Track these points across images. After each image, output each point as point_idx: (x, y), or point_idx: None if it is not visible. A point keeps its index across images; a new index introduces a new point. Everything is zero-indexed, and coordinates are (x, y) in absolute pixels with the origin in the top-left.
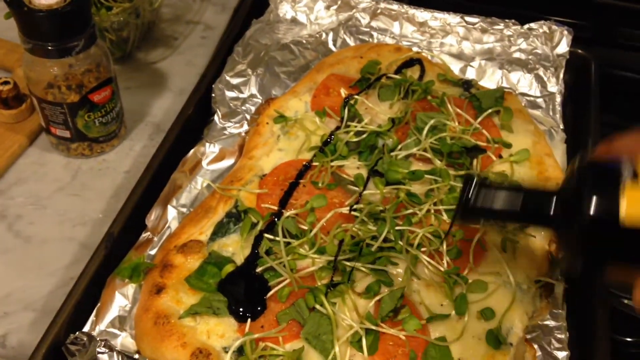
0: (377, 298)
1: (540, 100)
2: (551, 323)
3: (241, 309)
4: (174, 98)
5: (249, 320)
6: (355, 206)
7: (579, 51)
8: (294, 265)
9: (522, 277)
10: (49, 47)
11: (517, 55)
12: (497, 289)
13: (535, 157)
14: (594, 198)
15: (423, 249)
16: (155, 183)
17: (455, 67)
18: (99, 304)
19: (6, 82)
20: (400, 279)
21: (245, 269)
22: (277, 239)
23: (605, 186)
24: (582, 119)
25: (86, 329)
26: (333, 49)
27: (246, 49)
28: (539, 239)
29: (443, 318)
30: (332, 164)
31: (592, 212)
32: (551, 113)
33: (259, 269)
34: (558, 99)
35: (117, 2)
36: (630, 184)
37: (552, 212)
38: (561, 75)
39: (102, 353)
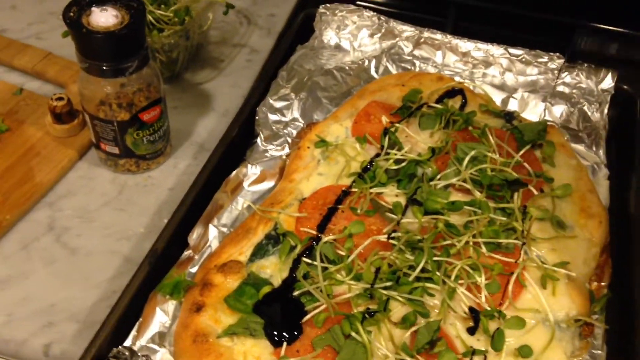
0: (413, 329)
1: (583, 135)
2: None
3: (276, 333)
4: (218, 119)
5: (285, 343)
6: (393, 234)
7: (624, 87)
8: (331, 291)
9: (562, 315)
10: (104, 67)
11: (560, 88)
12: (535, 326)
13: (577, 193)
14: None
15: (460, 281)
16: (198, 202)
17: (498, 98)
18: (140, 319)
19: (60, 98)
20: (437, 311)
21: (282, 292)
22: (315, 263)
23: None
24: (626, 156)
25: (127, 343)
26: (375, 76)
27: (290, 74)
28: (580, 277)
29: (479, 353)
30: (371, 190)
31: None
32: (594, 148)
33: (295, 293)
34: (602, 134)
35: (168, 24)
36: None
37: None
38: (605, 111)
39: None
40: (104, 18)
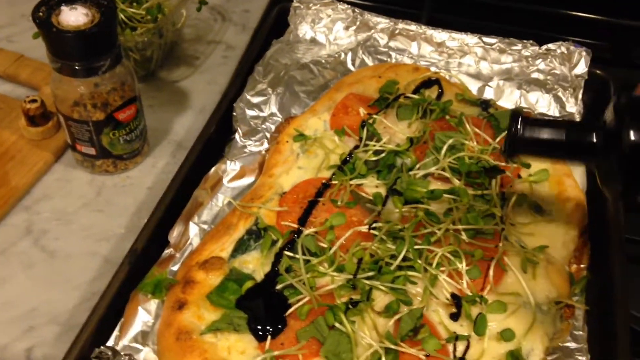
0: (397, 317)
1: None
2: (572, 345)
3: (260, 327)
4: (195, 116)
5: (269, 337)
6: (374, 225)
7: (598, 72)
8: (314, 283)
9: (543, 298)
10: (76, 67)
11: (535, 75)
12: (517, 310)
13: (554, 177)
14: (635, 127)
15: (442, 269)
16: (177, 200)
17: (474, 87)
18: (122, 319)
19: (33, 101)
20: (420, 298)
21: (264, 286)
22: (297, 256)
23: None
24: None
25: (110, 343)
26: (352, 68)
27: (266, 69)
28: (559, 260)
29: (463, 338)
30: (351, 182)
31: (632, 138)
32: None
33: (278, 286)
34: (577, 119)
35: (141, 22)
36: None
37: (595, 141)
38: (580, 96)
39: None
40: (73, 17)
